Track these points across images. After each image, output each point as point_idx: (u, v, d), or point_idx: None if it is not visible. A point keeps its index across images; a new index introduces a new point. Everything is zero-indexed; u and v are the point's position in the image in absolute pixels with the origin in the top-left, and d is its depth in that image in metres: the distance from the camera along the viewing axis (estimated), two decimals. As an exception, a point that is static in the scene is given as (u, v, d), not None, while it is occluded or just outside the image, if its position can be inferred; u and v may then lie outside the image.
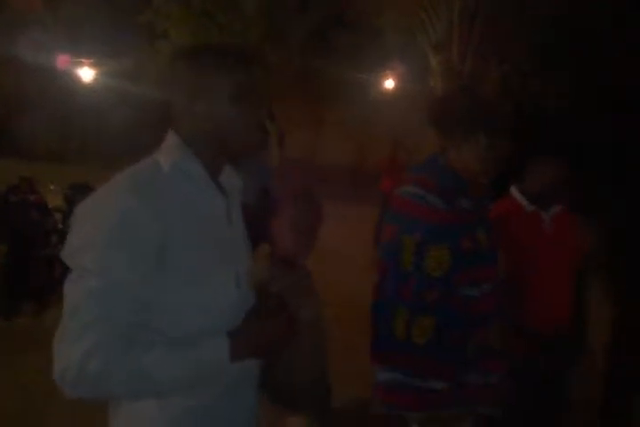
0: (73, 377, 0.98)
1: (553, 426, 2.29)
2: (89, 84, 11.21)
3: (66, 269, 1.07)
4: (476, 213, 1.78)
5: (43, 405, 2.79)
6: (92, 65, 10.90)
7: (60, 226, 5.08)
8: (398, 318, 1.67)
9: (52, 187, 6.15)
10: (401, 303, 1.67)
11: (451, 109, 1.80)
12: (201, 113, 1.12)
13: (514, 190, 2.30)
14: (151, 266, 1.03)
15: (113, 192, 1.07)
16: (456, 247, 1.68)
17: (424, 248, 1.66)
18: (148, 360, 1.01)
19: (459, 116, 1.75)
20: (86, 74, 10.95)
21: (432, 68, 9.59)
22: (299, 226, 1.72)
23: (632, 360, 2.43)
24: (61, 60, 10.86)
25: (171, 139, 1.15)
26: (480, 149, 1.72)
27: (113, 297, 1.01)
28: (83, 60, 10.94)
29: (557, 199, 2.26)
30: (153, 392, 1.06)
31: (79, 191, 5.18)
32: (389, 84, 10.77)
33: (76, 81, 11.27)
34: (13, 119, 13.22)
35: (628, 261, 2.46)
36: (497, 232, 2.05)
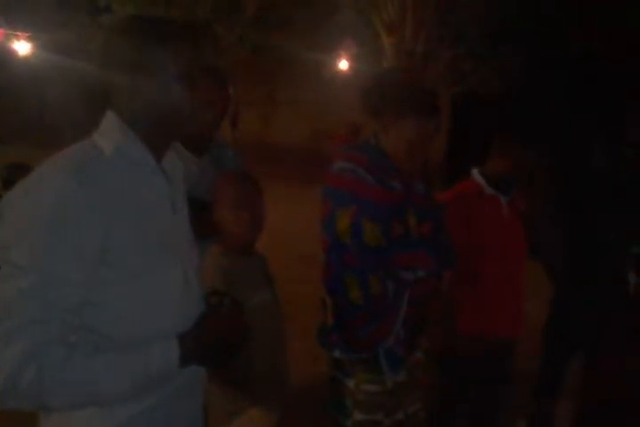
0: (2, 389, 0.85)
1: (495, 397, 2.35)
2: (26, 58, 10.60)
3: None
4: (406, 198, 1.75)
5: None
6: (28, 39, 10.30)
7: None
8: (351, 286, 1.65)
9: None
10: (348, 271, 1.66)
11: (379, 91, 1.75)
12: (143, 92, 1.00)
13: (475, 173, 2.28)
14: (91, 261, 0.91)
15: (48, 178, 0.93)
16: (388, 228, 1.67)
17: (358, 220, 1.65)
18: (90, 367, 0.89)
19: (387, 98, 1.71)
20: (22, 47, 10.33)
21: (385, 49, 9.54)
22: (240, 207, 1.67)
23: (568, 339, 2.51)
24: (-4, 33, 10.21)
25: (110, 120, 1.03)
26: (407, 133, 1.67)
27: (48, 297, 0.88)
28: (19, 34, 10.32)
29: (518, 185, 2.26)
30: (96, 402, 0.94)
31: (17, 172, 4.90)
32: (343, 64, 10.65)
33: (13, 55, 10.64)
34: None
35: (566, 239, 2.50)
36: (452, 214, 2.03)
